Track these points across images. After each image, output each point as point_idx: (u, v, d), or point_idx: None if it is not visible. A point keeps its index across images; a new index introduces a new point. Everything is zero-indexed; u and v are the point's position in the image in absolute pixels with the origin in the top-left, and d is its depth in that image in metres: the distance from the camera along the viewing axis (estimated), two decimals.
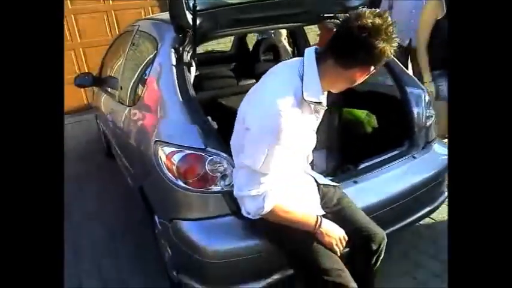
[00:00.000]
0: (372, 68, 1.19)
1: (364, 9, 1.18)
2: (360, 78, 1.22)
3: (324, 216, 1.37)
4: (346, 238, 1.35)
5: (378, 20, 1.10)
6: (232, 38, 3.94)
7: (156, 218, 1.86)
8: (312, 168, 1.84)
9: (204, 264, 1.51)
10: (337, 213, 1.46)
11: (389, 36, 1.11)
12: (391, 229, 1.81)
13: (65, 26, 5.48)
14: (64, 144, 4.52)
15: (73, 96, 5.56)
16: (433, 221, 2.31)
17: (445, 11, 2.42)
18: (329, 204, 1.48)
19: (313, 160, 1.87)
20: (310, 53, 1.24)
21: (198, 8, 1.59)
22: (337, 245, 1.32)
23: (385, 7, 3.51)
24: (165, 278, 1.96)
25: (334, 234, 1.32)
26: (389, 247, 1.54)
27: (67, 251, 2.21)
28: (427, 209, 1.98)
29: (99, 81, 3.22)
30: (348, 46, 1.15)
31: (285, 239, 1.35)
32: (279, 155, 1.19)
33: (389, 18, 1.14)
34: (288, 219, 1.29)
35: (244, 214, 1.35)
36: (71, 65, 5.53)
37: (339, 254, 1.33)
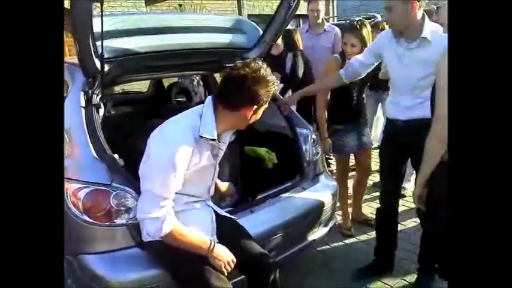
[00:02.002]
0: (255, 107, 1.45)
1: (239, 61, 1.46)
2: (251, 117, 1.47)
3: (219, 243, 1.55)
4: (235, 261, 1.53)
5: (245, 69, 1.39)
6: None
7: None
8: (224, 200, 2.05)
9: None
10: (232, 242, 1.62)
11: (256, 81, 1.39)
12: (287, 253, 2.05)
13: None
14: None
15: None
16: (327, 246, 2.63)
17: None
18: (225, 234, 1.65)
19: (227, 194, 2.06)
20: (209, 100, 1.50)
21: (106, 56, 1.77)
22: (225, 267, 1.50)
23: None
24: None
25: (224, 258, 1.50)
26: (288, 272, 1.73)
27: None
28: (320, 234, 2.27)
29: None
30: (228, 93, 1.43)
31: (180, 265, 1.50)
32: (174, 182, 1.39)
33: (256, 66, 1.41)
34: (184, 242, 1.45)
35: (144, 236, 1.49)
36: None
37: (225, 274, 1.51)
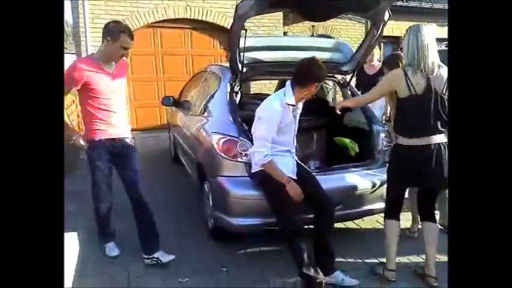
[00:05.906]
0: (316, 83, 2.43)
1: (305, 58, 2.42)
2: (313, 91, 2.48)
3: (295, 180, 2.48)
4: (302, 195, 2.42)
5: (310, 60, 2.40)
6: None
7: (205, 183, 3.08)
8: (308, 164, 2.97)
9: (230, 202, 2.68)
10: (306, 182, 2.54)
11: (317, 66, 2.37)
12: (347, 211, 2.84)
13: (154, 63, 7.21)
14: (144, 151, 6.02)
15: (151, 118, 7.19)
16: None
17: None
18: (302, 176, 2.59)
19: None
20: (288, 83, 2.51)
21: (245, 62, 2.92)
22: (295, 196, 2.41)
23: None
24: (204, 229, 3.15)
25: (295, 190, 2.42)
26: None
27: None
28: (378, 206, 2.96)
29: (177, 102, 4.65)
30: (301, 76, 2.43)
31: (271, 188, 2.49)
32: (272, 129, 2.41)
33: (315, 59, 2.39)
34: (273, 172, 2.44)
35: (253, 167, 2.53)
36: (153, 93, 7.20)
37: (295, 201, 2.42)
